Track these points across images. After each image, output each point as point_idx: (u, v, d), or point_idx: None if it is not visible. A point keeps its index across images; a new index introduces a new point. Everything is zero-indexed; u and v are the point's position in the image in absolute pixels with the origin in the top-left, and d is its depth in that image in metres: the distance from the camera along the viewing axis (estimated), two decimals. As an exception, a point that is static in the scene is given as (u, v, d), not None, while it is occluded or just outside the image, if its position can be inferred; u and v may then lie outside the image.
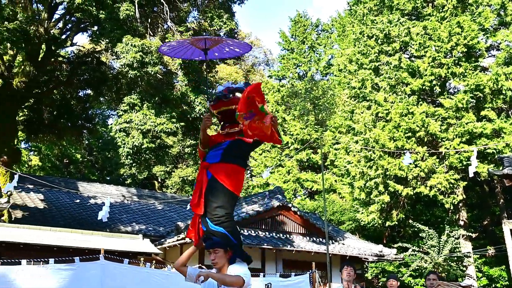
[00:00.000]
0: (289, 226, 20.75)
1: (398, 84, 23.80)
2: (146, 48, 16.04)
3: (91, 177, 36.78)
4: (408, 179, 22.75)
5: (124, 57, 15.97)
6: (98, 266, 11.35)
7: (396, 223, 25.30)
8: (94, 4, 15.29)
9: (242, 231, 19.09)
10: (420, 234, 23.02)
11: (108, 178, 38.33)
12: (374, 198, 23.96)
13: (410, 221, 24.92)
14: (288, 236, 20.31)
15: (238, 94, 5.42)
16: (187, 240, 16.67)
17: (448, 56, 23.05)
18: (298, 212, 20.96)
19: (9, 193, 16.17)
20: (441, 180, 21.95)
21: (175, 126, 17.41)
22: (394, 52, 24.20)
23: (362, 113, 24.74)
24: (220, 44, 5.96)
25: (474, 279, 22.39)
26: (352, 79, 26.44)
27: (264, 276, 14.38)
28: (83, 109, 21.37)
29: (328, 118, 33.66)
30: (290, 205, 21.00)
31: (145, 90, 17.87)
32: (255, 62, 49.20)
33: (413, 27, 23.84)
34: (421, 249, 22.46)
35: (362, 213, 25.84)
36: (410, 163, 15.17)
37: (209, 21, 18.20)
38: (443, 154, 22.42)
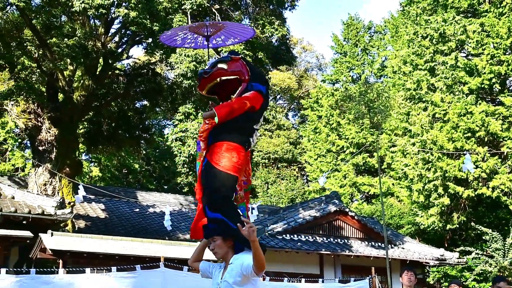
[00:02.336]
0: (346, 231, 20.56)
1: (455, 84, 23.25)
2: (200, 58, 16.26)
3: (149, 186, 37.50)
4: (469, 181, 22.16)
5: (178, 67, 16.25)
6: (158, 273, 11.58)
7: (458, 226, 24.64)
8: (148, 17, 15.62)
9: (299, 236, 19.04)
10: (484, 237, 22.34)
11: (166, 187, 38.96)
12: (433, 201, 23.45)
13: (472, 223, 24.19)
14: (346, 241, 20.13)
15: (220, 65, 5.02)
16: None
17: (507, 53, 22.36)
18: (355, 217, 20.75)
19: (72, 203, 16.68)
20: (504, 181, 21.27)
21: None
22: (450, 52, 23.66)
23: (418, 114, 24.28)
24: (223, 30, 5.78)
25: (542, 283, 21.52)
26: (407, 81, 25.99)
27: (323, 281, 14.31)
28: (140, 120, 21.83)
29: (384, 121, 33.17)
30: (347, 209, 20.82)
31: (199, 99, 18.10)
32: (308, 67, 49.14)
33: (469, 24, 23.25)
34: (485, 253, 21.79)
35: (422, 216, 25.30)
36: (469, 168, 14.52)
37: (260, 28, 18.29)
38: (505, 154, 21.73)
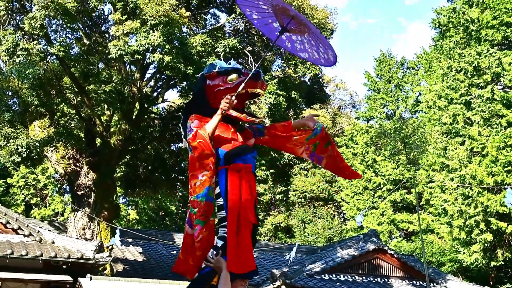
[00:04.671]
0: (386, 269, 20.13)
1: (492, 117, 22.91)
2: (233, 99, 16.45)
3: (186, 228, 37.48)
4: (512, 216, 21.59)
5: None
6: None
7: (503, 262, 23.89)
8: (182, 61, 15.95)
9: (338, 276, 18.72)
10: (531, 274, 21.62)
11: (203, 229, 38.85)
12: (475, 237, 22.83)
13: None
14: (386, 280, 19.68)
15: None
16: None
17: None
18: (395, 255, 20.32)
19: (110, 247, 16.82)
20: (549, 215, 20.65)
21: (265, 173, 17.52)
22: (485, 84, 23.39)
23: (455, 149, 23.92)
24: (305, 36, 4.70)
25: None
26: (442, 115, 25.72)
27: (364, 323, 13.97)
28: (176, 162, 22.05)
29: (420, 157, 32.74)
30: (386, 247, 20.43)
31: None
32: (341, 105, 49.11)
33: (504, 57, 23.01)
34: (533, 290, 21.04)
35: (464, 253, 24.63)
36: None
37: (293, 68, 18.46)
38: (548, 187, 21.14)
